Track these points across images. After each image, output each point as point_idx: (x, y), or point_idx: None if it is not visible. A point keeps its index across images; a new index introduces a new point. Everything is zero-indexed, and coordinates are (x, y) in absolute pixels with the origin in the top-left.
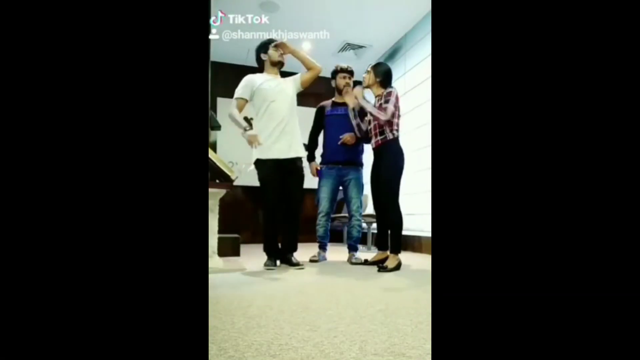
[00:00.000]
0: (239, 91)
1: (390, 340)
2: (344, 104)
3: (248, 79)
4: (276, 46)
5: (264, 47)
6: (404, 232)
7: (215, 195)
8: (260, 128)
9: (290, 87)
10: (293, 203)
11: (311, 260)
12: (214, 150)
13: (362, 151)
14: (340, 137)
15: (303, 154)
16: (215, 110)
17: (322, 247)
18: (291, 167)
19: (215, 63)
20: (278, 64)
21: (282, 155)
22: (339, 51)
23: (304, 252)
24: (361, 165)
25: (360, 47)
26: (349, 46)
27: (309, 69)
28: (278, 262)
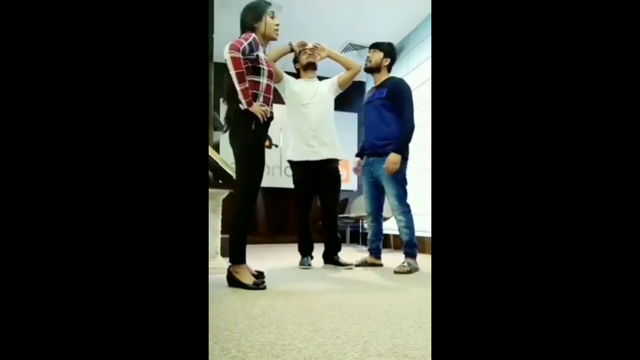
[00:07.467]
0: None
1: (393, 341)
2: (376, 88)
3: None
4: (303, 49)
5: (295, 58)
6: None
7: (218, 195)
8: (292, 130)
9: (326, 89)
10: (328, 204)
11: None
12: (217, 151)
13: (394, 137)
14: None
15: (339, 155)
16: (218, 112)
17: (374, 253)
18: (325, 168)
19: (218, 64)
20: (310, 66)
21: (314, 157)
22: (342, 51)
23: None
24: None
25: (363, 47)
26: (351, 46)
27: (347, 68)
28: (312, 262)
